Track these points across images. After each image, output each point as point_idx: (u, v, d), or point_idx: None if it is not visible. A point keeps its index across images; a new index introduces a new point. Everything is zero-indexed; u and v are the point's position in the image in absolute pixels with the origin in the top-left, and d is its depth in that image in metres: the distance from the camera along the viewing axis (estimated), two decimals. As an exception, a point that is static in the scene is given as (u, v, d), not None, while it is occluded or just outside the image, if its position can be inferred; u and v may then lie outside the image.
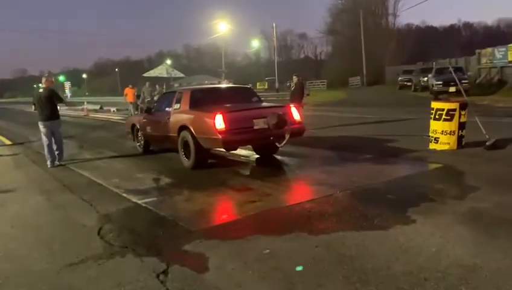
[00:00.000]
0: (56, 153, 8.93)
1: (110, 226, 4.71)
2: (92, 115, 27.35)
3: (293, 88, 12.55)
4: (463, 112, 7.83)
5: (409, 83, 33.05)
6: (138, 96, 21.25)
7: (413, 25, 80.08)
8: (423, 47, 64.58)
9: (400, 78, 35.73)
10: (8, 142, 13.97)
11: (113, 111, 29.32)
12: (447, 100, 8.28)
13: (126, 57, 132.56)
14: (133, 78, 30.88)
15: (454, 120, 7.79)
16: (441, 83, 23.34)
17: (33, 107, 9.08)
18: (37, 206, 5.74)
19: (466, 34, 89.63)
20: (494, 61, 26.67)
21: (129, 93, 21.51)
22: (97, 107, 33.92)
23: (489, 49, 27.93)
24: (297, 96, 12.20)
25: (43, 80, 9.03)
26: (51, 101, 8.75)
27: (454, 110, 7.79)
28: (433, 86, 24.01)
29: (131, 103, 21.46)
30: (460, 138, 7.87)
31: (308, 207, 4.90)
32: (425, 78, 27.85)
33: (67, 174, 7.95)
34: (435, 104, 8.06)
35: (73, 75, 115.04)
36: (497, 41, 33.96)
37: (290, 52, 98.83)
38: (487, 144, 7.65)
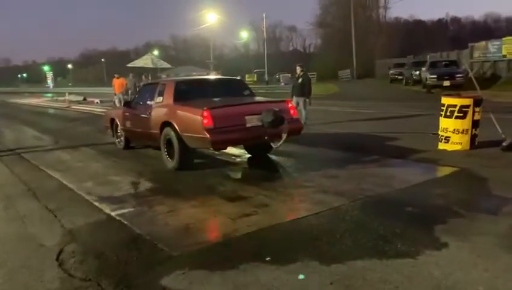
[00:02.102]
0: None
1: (73, 247, 3.85)
2: (74, 106, 26.13)
3: (300, 80, 11.55)
4: (477, 109, 7.09)
5: (400, 77, 32.44)
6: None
7: (402, 19, 79.47)
8: (412, 41, 64.03)
9: (391, 71, 35.09)
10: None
11: (97, 103, 28.09)
12: (458, 95, 7.53)
13: (113, 47, 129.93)
14: (120, 68, 29.75)
15: (467, 118, 7.05)
16: (435, 76, 22.72)
17: None
18: (-10, 218, 4.85)
19: (454, 29, 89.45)
20: (488, 55, 26.12)
21: (116, 84, 20.55)
22: (80, 98, 32.62)
23: (482, 43, 27.35)
24: (307, 89, 11.37)
25: None
26: None
27: (468, 106, 7.05)
28: (427, 79, 23.37)
29: (115, 94, 20.55)
30: (473, 138, 7.15)
31: (315, 223, 4.09)
32: (418, 72, 27.26)
33: (36, 175, 7.04)
34: (446, 100, 7.30)
35: (59, 65, 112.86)
36: (484, 36, 33.60)
37: (278, 44, 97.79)
38: (504, 144, 6.93)
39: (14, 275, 3.34)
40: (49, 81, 47.39)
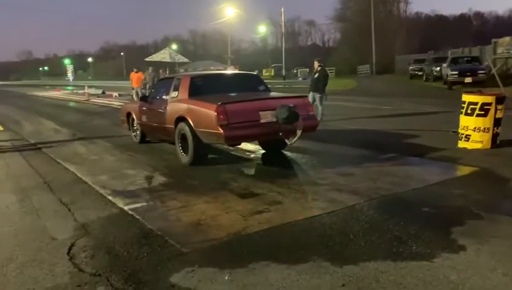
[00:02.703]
0: None
1: (85, 241, 3.86)
2: (93, 100, 26.43)
3: (317, 75, 11.44)
4: (499, 107, 6.88)
5: (420, 73, 31.97)
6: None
7: (423, 14, 78.07)
8: (433, 36, 62.83)
9: (410, 67, 34.55)
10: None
11: (115, 96, 28.39)
12: (480, 92, 7.31)
13: (132, 41, 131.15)
14: (139, 63, 30.02)
15: (489, 116, 6.84)
16: (456, 73, 22.22)
17: None
18: (6, 210, 4.88)
19: (477, 24, 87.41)
20: None
21: (133, 78, 20.71)
22: (99, 91, 33.01)
23: (506, 39, 26.62)
24: (322, 85, 11.23)
25: None
26: None
27: (490, 104, 6.84)
28: (447, 76, 22.90)
29: (133, 88, 20.72)
30: (495, 136, 6.94)
31: (328, 222, 4.01)
32: (438, 68, 26.74)
33: (52, 168, 7.11)
34: (467, 97, 7.10)
35: (79, 59, 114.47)
36: (508, 31, 32.60)
37: (297, 38, 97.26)
38: (527, 143, 6.72)
39: (25, 269, 3.34)
40: (69, 75, 48.02)
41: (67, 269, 3.30)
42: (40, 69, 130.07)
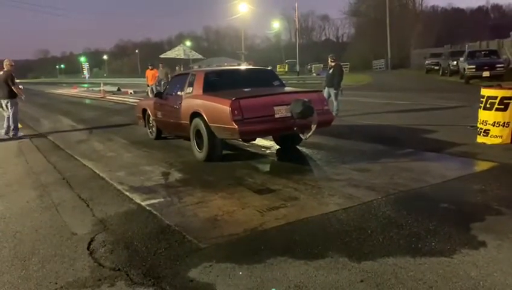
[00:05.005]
0: (9, 127, 10.41)
1: (104, 236, 3.91)
2: (109, 97, 26.70)
3: (331, 71, 11.43)
4: (520, 101, 6.74)
5: (436, 67, 31.50)
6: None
7: (439, 7, 76.77)
8: (450, 30, 61.76)
9: (427, 61, 34.08)
10: (18, 125, 13.31)
11: (130, 93, 28.67)
12: (499, 86, 7.18)
13: (146, 38, 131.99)
14: (153, 60, 30.29)
15: (509, 110, 6.72)
16: (473, 67, 21.87)
17: None
18: (26, 206, 4.97)
19: (495, 17, 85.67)
20: (532, 44, 24.94)
21: (148, 75, 20.87)
22: (114, 89, 33.36)
23: (526, 31, 26.15)
24: (337, 80, 11.20)
25: (6, 63, 10.16)
26: (7, 83, 10.06)
27: (510, 98, 6.71)
28: (465, 70, 22.56)
29: (148, 85, 20.87)
30: (515, 131, 6.81)
31: (345, 218, 3.99)
32: (455, 62, 26.32)
33: (70, 164, 7.21)
34: (486, 91, 6.98)
35: (95, 56, 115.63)
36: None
37: (311, 34, 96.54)
38: (548, 138, 6.57)
39: (47, 263, 3.40)
40: (85, 72, 48.63)
41: (87, 264, 3.35)
42: (57, 67, 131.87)
